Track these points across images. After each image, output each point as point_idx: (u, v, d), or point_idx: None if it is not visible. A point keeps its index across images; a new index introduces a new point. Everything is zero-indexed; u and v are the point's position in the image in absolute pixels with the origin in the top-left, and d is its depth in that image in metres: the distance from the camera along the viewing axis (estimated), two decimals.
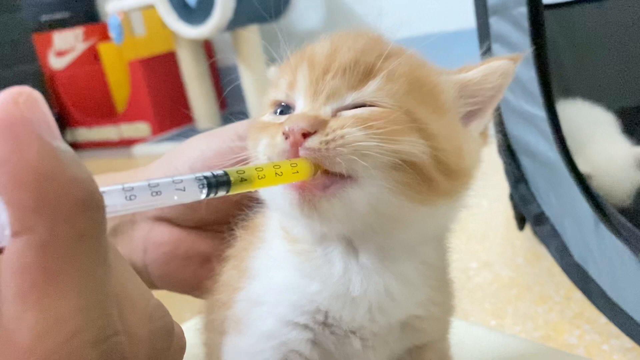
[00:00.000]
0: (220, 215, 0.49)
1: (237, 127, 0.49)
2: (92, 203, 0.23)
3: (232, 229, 0.48)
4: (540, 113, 0.97)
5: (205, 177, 0.29)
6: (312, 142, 0.32)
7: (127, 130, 3.32)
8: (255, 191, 0.45)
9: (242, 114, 0.52)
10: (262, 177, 0.31)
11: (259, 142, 0.36)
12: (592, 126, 1.28)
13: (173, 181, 0.27)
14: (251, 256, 0.40)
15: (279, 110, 0.38)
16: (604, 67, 1.47)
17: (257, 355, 0.38)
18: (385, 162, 0.32)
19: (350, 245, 0.37)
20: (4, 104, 0.22)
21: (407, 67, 0.36)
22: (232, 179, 0.30)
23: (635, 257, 0.92)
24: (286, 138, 0.33)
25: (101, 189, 0.24)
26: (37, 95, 0.23)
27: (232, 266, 0.43)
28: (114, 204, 0.25)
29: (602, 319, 1.14)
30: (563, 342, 1.11)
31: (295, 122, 0.33)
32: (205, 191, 0.28)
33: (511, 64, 0.37)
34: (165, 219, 0.51)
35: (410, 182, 0.33)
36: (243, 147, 0.47)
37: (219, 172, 0.29)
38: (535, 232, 1.30)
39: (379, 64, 0.35)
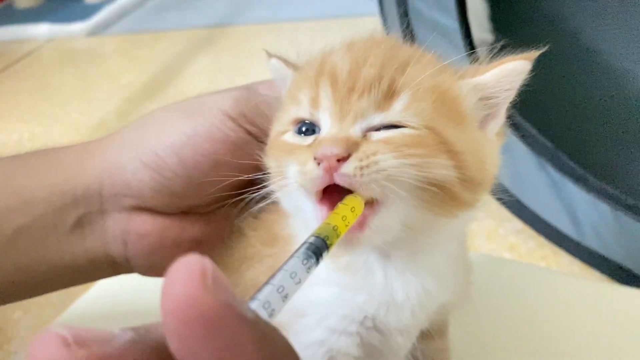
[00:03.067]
0: (208, 198, 0.46)
1: (218, 102, 0.44)
2: None
3: (229, 218, 0.46)
4: (453, 24, 0.99)
5: (315, 256, 0.27)
6: (348, 168, 0.31)
7: None
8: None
9: None
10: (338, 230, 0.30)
11: (288, 167, 0.35)
12: None
13: (290, 276, 0.25)
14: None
15: (303, 129, 0.36)
16: None
17: (306, 359, 0.38)
18: (415, 184, 0.32)
19: (384, 252, 0.38)
20: (194, 295, 0.18)
21: (430, 81, 0.35)
22: (329, 242, 0.28)
23: (537, 158, 1.03)
24: (318, 163, 0.32)
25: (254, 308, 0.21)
26: (215, 267, 0.19)
27: (259, 271, 0.41)
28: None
29: (494, 205, 1.28)
30: None
31: (328, 147, 0.31)
32: (315, 262, 0.27)
33: (527, 64, 0.36)
34: (146, 208, 0.46)
35: (435, 200, 0.33)
36: (247, 140, 0.44)
37: (317, 241, 0.27)
38: None
39: (402, 79, 0.34)
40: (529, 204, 1.13)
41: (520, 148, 1.05)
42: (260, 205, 0.40)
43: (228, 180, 0.44)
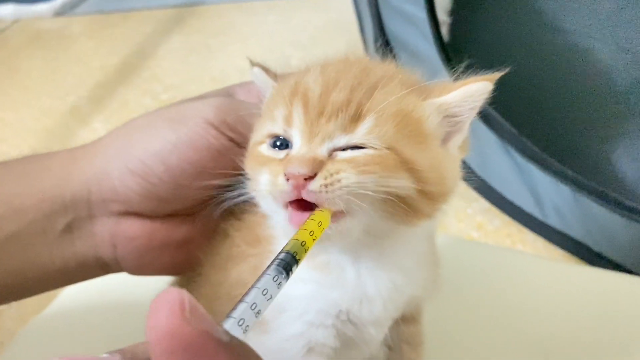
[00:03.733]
0: (193, 202, 0.48)
1: (201, 111, 0.46)
2: None
3: (212, 218, 0.48)
4: (422, 15, 1.01)
5: (285, 271, 0.30)
6: (313, 186, 0.35)
7: None
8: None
9: None
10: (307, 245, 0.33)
11: (261, 176, 0.38)
12: None
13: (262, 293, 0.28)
14: (265, 265, 0.43)
15: (277, 143, 0.39)
16: None
17: (285, 352, 0.42)
18: (376, 198, 0.36)
19: (355, 253, 0.41)
20: (175, 326, 0.21)
21: (395, 105, 0.37)
22: (298, 257, 0.32)
23: (502, 142, 1.07)
24: (288, 179, 0.35)
25: (231, 332, 0.25)
26: (191, 299, 0.22)
27: (243, 270, 0.44)
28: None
29: (462, 186, 1.33)
30: None
31: (296, 166, 0.35)
32: (285, 277, 0.30)
33: (489, 85, 0.39)
34: (134, 212, 0.48)
35: (397, 211, 0.37)
36: (229, 147, 0.46)
37: (286, 257, 0.31)
38: None
39: (368, 104, 0.37)
40: (495, 186, 1.18)
41: (487, 134, 1.09)
42: (238, 202, 0.43)
43: (211, 183, 0.47)
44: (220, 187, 0.47)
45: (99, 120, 1.79)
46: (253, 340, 0.43)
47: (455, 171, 0.41)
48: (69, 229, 0.48)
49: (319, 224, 0.34)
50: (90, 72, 2.07)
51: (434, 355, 0.52)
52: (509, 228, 1.23)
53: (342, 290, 0.41)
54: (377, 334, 0.44)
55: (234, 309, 0.27)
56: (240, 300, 0.27)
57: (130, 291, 0.64)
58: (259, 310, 0.27)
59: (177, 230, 0.50)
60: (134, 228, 0.49)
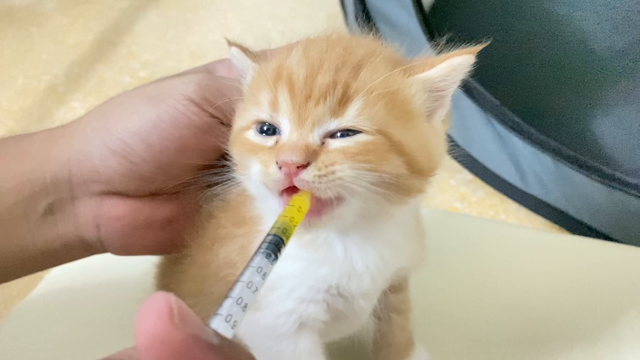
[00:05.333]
0: (176, 180, 0.48)
1: (181, 88, 0.46)
2: None
3: (196, 196, 0.48)
4: None
5: (273, 254, 0.30)
6: (307, 175, 0.35)
7: None
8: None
9: None
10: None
11: (250, 165, 0.38)
12: None
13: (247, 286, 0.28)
14: (254, 246, 0.42)
15: (264, 128, 0.39)
16: None
17: (278, 328, 0.42)
18: (369, 184, 0.36)
19: (343, 230, 0.41)
20: (164, 332, 0.21)
21: (382, 85, 0.37)
22: (284, 239, 0.32)
23: (484, 113, 1.07)
24: (280, 167, 0.35)
25: (215, 329, 0.25)
26: (180, 303, 0.22)
27: (231, 250, 0.45)
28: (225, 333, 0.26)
29: (445, 158, 1.33)
30: None
31: (289, 154, 0.35)
32: (274, 260, 0.30)
33: (471, 58, 0.39)
34: (116, 192, 0.48)
35: (389, 192, 0.37)
36: (211, 123, 0.46)
37: (273, 238, 0.31)
38: None
39: (354, 84, 0.37)
40: (477, 157, 1.19)
41: (469, 105, 1.09)
42: (225, 187, 0.43)
43: (194, 162, 0.46)
44: (204, 167, 0.47)
45: (77, 99, 1.75)
46: (245, 318, 0.44)
47: (441, 145, 0.41)
48: (50, 210, 0.48)
49: (299, 209, 0.35)
50: (66, 49, 2.02)
51: (418, 325, 0.53)
52: (492, 199, 1.25)
53: (330, 266, 0.42)
54: (366, 306, 0.45)
55: (220, 305, 0.27)
56: (226, 296, 0.28)
57: (116, 272, 0.64)
58: (246, 304, 0.28)
59: (160, 209, 0.49)
60: (117, 208, 0.48)
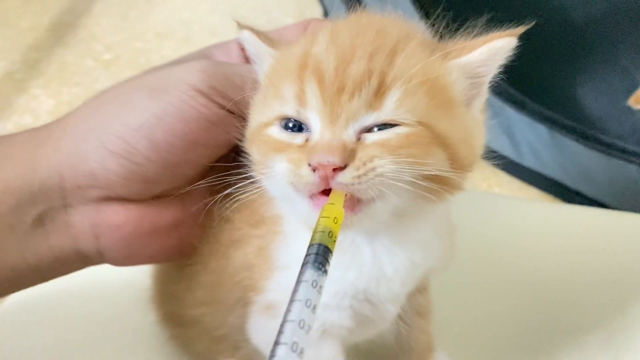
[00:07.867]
0: (184, 180, 0.43)
1: (185, 77, 0.41)
2: None
3: (204, 196, 0.43)
4: None
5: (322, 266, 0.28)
6: (345, 178, 0.32)
7: None
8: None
9: None
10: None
11: (274, 164, 0.34)
12: None
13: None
14: (273, 247, 0.40)
15: (289, 125, 0.35)
16: None
17: None
18: (412, 181, 0.33)
19: (370, 231, 0.38)
20: None
21: (420, 71, 0.34)
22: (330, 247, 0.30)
23: None
24: (314, 170, 0.32)
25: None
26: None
27: (248, 252, 0.41)
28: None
29: None
30: None
31: (324, 155, 0.31)
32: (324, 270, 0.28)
33: (513, 40, 0.36)
34: (116, 197, 0.42)
35: (429, 189, 0.34)
36: (221, 115, 0.41)
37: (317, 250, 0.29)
38: None
39: (392, 72, 0.33)
40: None
41: None
42: (238, 187, 0.38)
43: (204, 160, 0.42)
44: (213, 164, 0.42)
45: (38, 85, 1.66)
46: (265, 325, 0.40)
47: (481, 135, 0.38)
48: (40, 221, 0.42)
49: (335, 220, 0.31)
50: (20, 33, 1.91)
51: None
52: (484, 172, 1.23)
53: (358, 270, 0.38)
54: (394, 310, 0.42)
55: (280, 333, 0.24)
56: (285, 320, 0.25)
57: (111, 271, 0.59)
58: (309, 325, 0.25)
59: (166, 213, 0.44)
60: (118, 215, 0.43)
